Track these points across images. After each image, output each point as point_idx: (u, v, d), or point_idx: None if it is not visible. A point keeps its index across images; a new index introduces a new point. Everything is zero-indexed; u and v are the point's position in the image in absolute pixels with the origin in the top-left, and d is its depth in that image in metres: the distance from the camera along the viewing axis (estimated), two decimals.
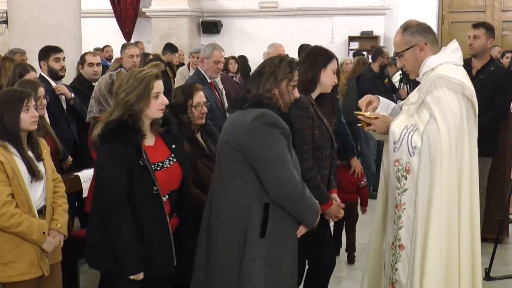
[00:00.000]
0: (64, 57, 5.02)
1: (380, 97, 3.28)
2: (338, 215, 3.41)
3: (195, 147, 3.51)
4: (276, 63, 2.89)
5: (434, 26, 11.92)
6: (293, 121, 3.06)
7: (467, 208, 2.95)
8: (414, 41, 3.03)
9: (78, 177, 4.19)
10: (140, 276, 2.81)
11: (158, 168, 2.89)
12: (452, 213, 2.89)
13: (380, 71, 7.31)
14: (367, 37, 12.05)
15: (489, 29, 5.10)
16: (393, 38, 3.20)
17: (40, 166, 3.15)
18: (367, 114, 3.10)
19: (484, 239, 4.90)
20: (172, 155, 2.99)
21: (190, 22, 12.72)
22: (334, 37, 12.17)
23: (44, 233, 3.06)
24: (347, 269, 4.80)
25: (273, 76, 2.85)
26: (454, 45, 3.12)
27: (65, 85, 5.08)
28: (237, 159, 2.76)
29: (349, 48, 12.15)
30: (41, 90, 3.81)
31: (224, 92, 5.74)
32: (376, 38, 11.92)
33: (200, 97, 3.63)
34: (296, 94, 2.94)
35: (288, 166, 2.72)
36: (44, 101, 3.92)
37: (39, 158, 3.17)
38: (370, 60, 8.43)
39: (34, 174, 3.08)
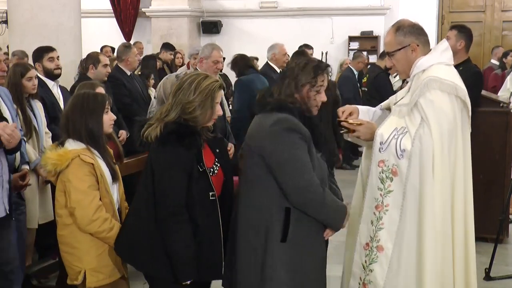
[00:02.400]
0: (58, 56, 4.99)
1: (358, 106, 3.25)
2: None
3: None
4: (301, 67, 2.81)
5: (434, 26, 11.96)
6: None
7: (460, 213, 2.93)
8: (407, 42, 2.99)
9: None
10: (188, 281, 2.78)
11: (211, 174, 2.84)
12: (446, 219, 2.87)
13: (385, 70, 7.37)
14: (367, 37, 12.05)
15: (461, 31, 5.11)
16: (384, 36, 3.13)
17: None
18: (351, 120, 3.07)
19: (484, 239, 4.96)
20: (217, 159, 2.94)
21: (190, 22, 12.72)
22: (334, 37, 12.18)
23: None
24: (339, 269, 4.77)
25: (294, 82, 2.79)
26: (444, 45, 3.10)
27: (63, 87, 5.05)
28: (258, 163, 2.73)
29: (349, 48, 12.15)
30: (100, 90, 3.77)
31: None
32: (376, 38, 11.92)
33: None
34: (323, 98, 2.87)
35: (306, 172, 2.67)
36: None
37: (112, 160, 3.19)
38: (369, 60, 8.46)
39: (115, 176, 3.11)
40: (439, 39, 11.57)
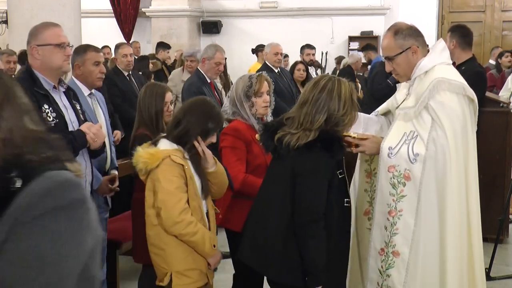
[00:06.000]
0: None
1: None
2: None
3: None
4: None
5: (434, 26, 11.98)
6: None
7: (475, 211, 2.94)
8: (408, 45, 2.96)
9: None
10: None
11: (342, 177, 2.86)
12: (462, 219, 2.88)
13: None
14: (367, 37, 12.05)
15: (453, 31, 5.12)
16: (382, 41, 3.10)
17: None
18: (355, 135, 2.99)
19: (484, 239, 4.92)
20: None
21: (190, 22, 12.72)
22: (334, 37, 12.19)
23: (214, 246, 2.98)
24: None
25: None
26: (441, 44, 3.10)
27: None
28: None
29: (349, 48, 12.16)
30: (169, 95, 3.63)
31: (223, 93, 5.75)
32: (376, 38, 11.92)
33: None
34: None
35: None
36: (171, 107, 3.68)
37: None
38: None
39: None
40: (439, 39, 11.57)
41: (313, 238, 2.69)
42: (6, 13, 7.30)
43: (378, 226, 2.95)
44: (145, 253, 3.43)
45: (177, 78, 7.10)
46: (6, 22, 7.89)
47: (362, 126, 3.19)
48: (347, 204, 2.81)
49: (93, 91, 3.92)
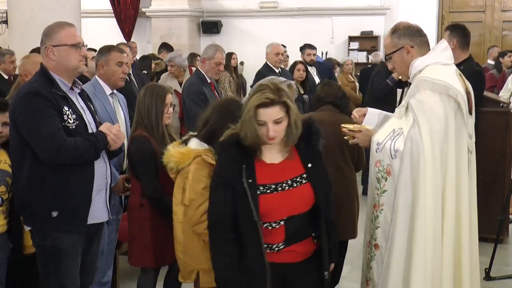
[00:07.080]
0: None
1: (369, 108, 3.32)
2: None
3: None
4: None
5: (434, 26, 11.97)
6: None
7: (451, 209, 2.92)
8: (401, 44, 3.05)
9: None
10: None
11: (269, 191, 2.60)
12: (437, 218, 2.87)
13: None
14: (367, 37, 12.07)
15: (452, 30, 5.14)
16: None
17: None
18: (351, 127, 3.09)
19: (484, 239, 4.95)
20: (305, 175, 2.68)
21: (190, 22, 12.73)
22: (334, 37, 12.19)
23: None
24: (347, 269, 4.79)
25: None
26: (442, 44, 3.13)
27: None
28: None
29: (349, 48, 12.16)
30: (169, 97, 3.57)
31: (223, 92, 5.75)
32: (376, 38, 11.93)
33: None
34: None
35: None
36: (171, 110, 3.60)
37: None
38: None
39: None
40: (439, 39, 11.56)
41: (212, 245, 2.64)
42: (6, 13, 7.30)
43: (368, 219, 3.06)
44: (141, 256, 3.44)
45: (163, 83, 7.01)
46: (6, 22, 7.88)
47: (377, 122, 3.25)
48: (254, 219, 2.56)
49: (114, 91, 3.95)
